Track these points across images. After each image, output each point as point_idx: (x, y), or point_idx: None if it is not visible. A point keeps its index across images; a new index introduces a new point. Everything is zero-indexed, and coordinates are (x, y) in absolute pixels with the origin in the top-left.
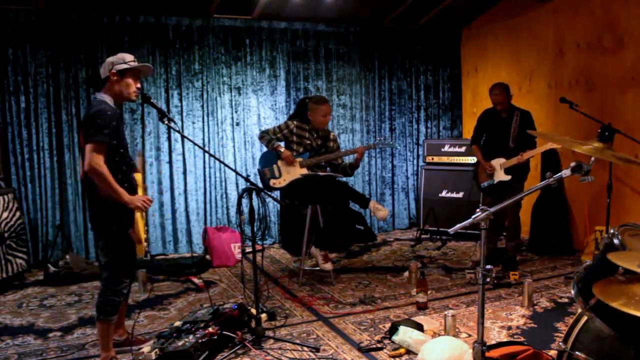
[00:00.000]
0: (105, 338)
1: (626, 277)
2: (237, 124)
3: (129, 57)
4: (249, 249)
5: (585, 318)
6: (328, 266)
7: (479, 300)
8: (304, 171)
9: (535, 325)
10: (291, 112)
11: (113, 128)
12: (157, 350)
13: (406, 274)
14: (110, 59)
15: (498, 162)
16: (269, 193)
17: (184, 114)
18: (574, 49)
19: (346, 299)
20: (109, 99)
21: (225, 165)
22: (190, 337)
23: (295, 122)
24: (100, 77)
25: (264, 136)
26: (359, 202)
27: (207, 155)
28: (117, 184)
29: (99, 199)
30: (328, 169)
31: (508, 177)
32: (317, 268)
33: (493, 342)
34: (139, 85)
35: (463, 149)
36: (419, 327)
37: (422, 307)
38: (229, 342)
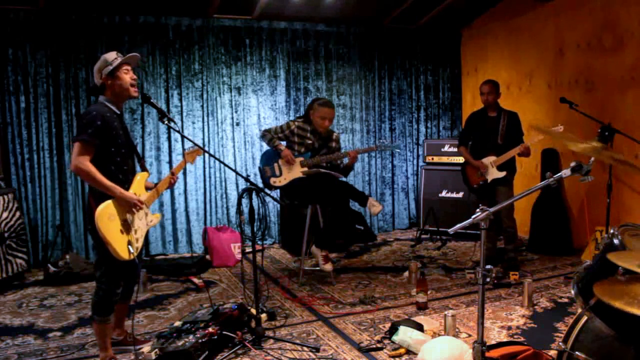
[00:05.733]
0: (103, 338)
1: (626, 277)
2: (237, 124)
3: (110, 56)
4: (249, 249)
5: (585, 318)
6: (328, 267)
7: (479, 300)
8: (305, 170)
9: (535, 325)
10: (291, 112)
11: (98, 127)
12: (157, 350)
13: (406, 274)
14: (96, 66)
15: (489, 160)
16: (269, 193)
17: (184, 114)
18: (574, 49)
19: (346, 299)
20: (108, 102)
21: (225, 165)
22: (190, 337)
23: (296, 123)
24: (96, 86)
25: (266, 134)
26: (358, 200)
27: (207, 155)
28: (106, 180)
29: (89, 199)
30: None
31: (502, 174)
32: (317, 268)
33: (493, 342)
34: (134, 76)
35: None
36: (419, 327)
37: (422, 307)
38: (229, 342)
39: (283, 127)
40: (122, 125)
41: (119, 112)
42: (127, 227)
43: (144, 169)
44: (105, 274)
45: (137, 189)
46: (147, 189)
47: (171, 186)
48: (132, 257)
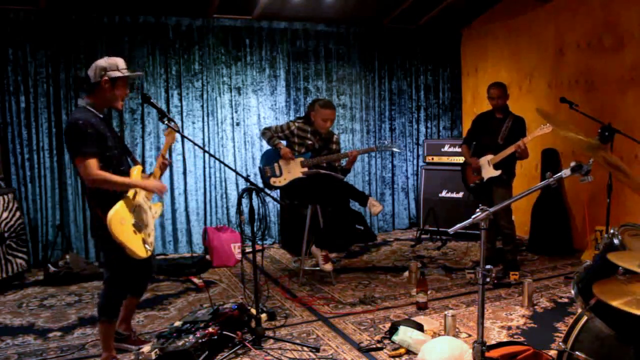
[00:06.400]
0: (107, 338)
1: (626, 277)
2: (237, 124)
3: (121, 63)
4: (249, 249)
5: (585, 318)
6: (328, 267)
7: (479, 300)
8: (305, 170)
9: (535, 325)
10: (291, 112)
11: (91, 135)
12: (157, 350)
13: (406, 274)
14: (101, 64)
15: (486, 159)
16: (269, 193)
17: (184, 114)
18: (574, 49)
19: (346, 299)
20: (91, 106)
21: (225, 165)
22: (190, 337)
23: (297, 123)
24: (88, 80)
25: (266, 132)
26: (358, 200)
27: (207, 155)
28: (124, 179)
29: (95, 208)
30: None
31: (497, 172)
32: (317, 268)
33: (493, 342)
34: (128, 92)
35: None
36: (419, 327)
37: (422, 307)
38: (229, 342)
39: (283, 127)
40: (109, 126)
41: (102, 116)
42: (138, 226)
43: (135, 162)
44: (114, 277)
45: None
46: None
47: (165, 168)
48: (149, 254)
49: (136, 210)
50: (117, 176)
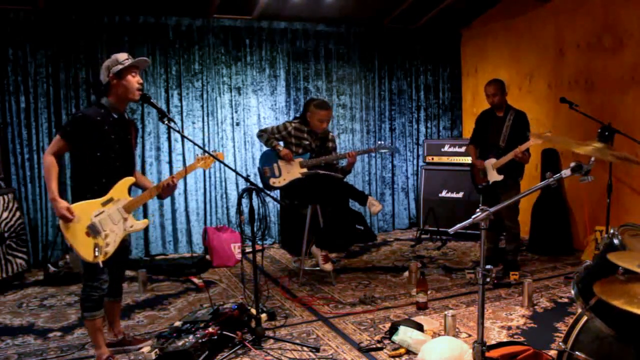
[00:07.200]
0: (94, 335)
1: (626, 277)
2: (237, 124)
3: (122, 56)
4: (249, 249)
5: (585, 318)
6: (328, 267)
7: (479, 300)
8: (304, 171)
9: (535, 325)
10: (291, 112)
11: (75, 128)
12: (157, 350)
13: (406, 274)
14: (105, 64)
15: (490, 163)
16: (269, 193)
17: (184, 114)
18: (574, 49)
19: (346, 299)
20: (108, 104)
21: (225, 165)
22: (190, 337)
23: (293, 124)
24: (102, 83)
25: (263, 135)
26: (358, 200)
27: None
28: (52, 180)
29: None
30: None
31: (500, 177)
32: (317, 268)
33: (493, 342)
34: (140, 80)
35: (463, 149)
36: (419, 327)
37: (422, 307)
38: (229, 342)
39: (280, 128)
40: (118, 129)
41: (116, 116)
42: (95, 230)
43: (133, 174)
44: (84, 270)
45: (117, 193)
46: (144, 189)
47: (165, 190)
48: (96, 260)
49: (101, 215)
50: (54, 176)
